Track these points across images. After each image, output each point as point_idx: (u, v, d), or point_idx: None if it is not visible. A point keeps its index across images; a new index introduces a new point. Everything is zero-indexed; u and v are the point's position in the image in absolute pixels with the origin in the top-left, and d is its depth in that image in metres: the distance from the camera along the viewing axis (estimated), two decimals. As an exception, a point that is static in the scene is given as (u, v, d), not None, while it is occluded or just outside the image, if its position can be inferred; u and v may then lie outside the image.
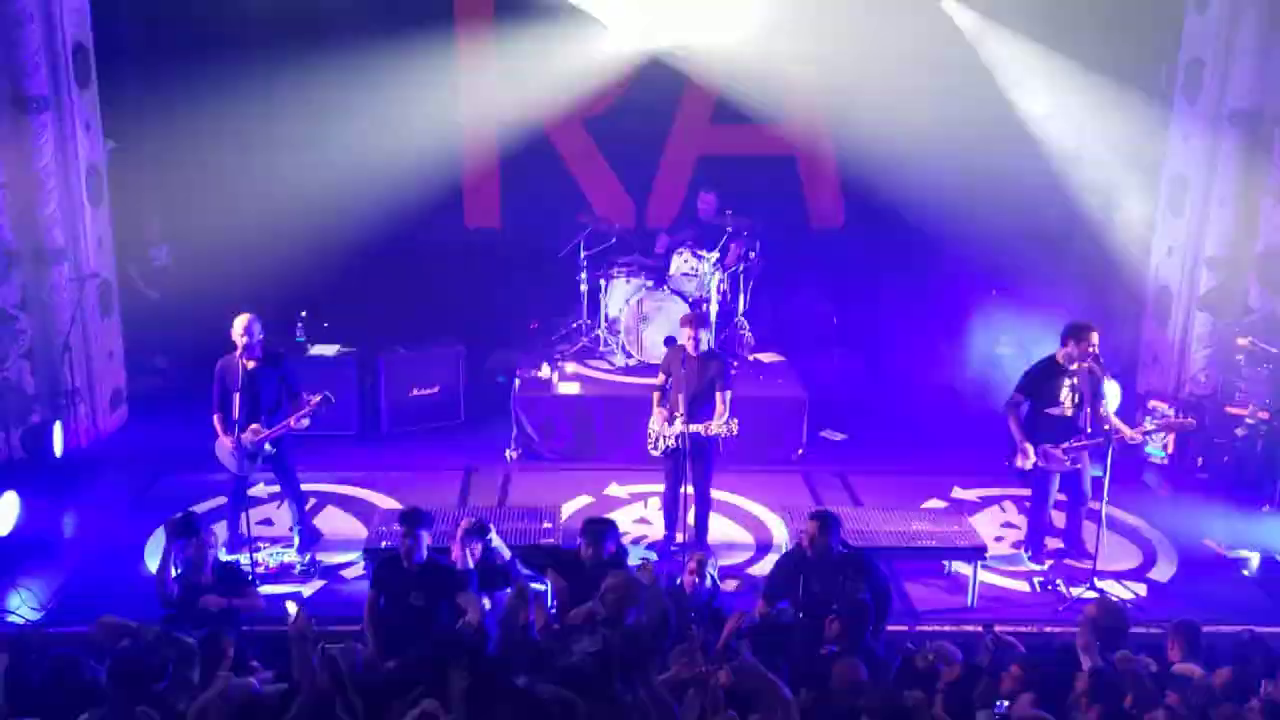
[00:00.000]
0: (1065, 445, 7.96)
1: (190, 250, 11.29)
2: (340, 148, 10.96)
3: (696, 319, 8.39)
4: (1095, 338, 7.87)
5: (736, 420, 8.10)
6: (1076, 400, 7.93)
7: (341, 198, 10.95)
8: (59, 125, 9.45)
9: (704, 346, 8.29)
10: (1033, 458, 7.96)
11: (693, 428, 8.02)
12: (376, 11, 11.12)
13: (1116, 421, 8.07)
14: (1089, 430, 7.92)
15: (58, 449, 9.28)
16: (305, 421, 7.99)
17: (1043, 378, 8.03)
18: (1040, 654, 6.26)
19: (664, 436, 8.24)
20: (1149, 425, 9.18)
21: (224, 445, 8.00)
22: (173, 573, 6.79)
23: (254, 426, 7.89)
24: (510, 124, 11.62)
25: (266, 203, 10.78)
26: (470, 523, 6.89)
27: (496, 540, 7.00)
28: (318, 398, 7.95)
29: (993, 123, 11.00)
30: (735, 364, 10.97)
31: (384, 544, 7.64)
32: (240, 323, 7.85)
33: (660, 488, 8.67)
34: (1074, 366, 7.92)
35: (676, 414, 8.09)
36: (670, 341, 9.17)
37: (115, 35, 10.41)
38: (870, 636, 6.38)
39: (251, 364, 7.88)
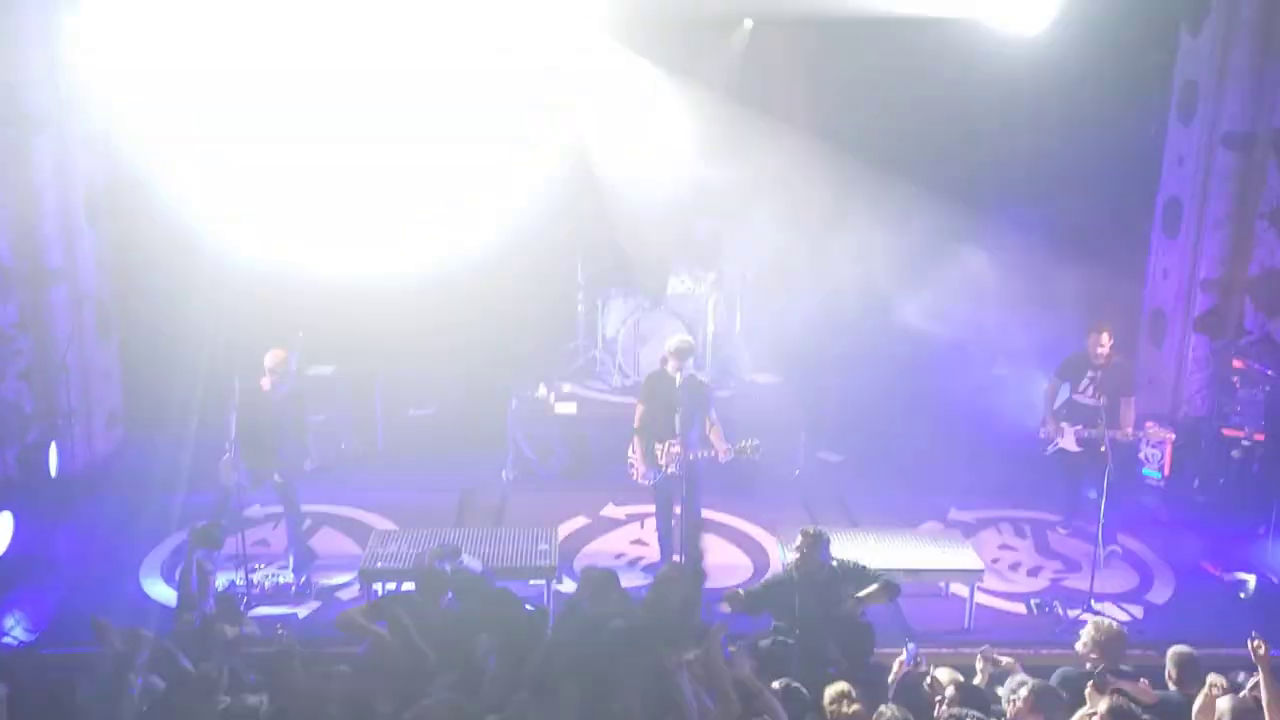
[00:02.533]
0: (1077, 429, 8.67)
1: (188, 271, 11.28)
2: (340, 166, 10.96)
3: (683, 352, 8.21)
4: (1103, 337, 8.71)
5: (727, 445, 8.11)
6: (1095, 392, 8.71)
7: (339, 216, 10.96)
8: (58, 144, 9.47)
9: (687, 373, 8.14)
10: (1053, 431, 8.81)
11: (722, 451, 8.01)
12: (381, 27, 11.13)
13: (1123, 416, 8.59)
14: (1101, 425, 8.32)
15: (53, 469, 9.26)
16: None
17: (1070, 366, 8.95)
18: (1037, 676, 6.23)
19: (663, 463, 8.21)
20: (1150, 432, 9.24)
21: (231, 468, 8.01)
22: (196, 581, 6.81)
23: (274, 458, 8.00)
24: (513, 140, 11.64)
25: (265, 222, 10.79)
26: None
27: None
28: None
29: (989, 143, 11.07)
30: (732, 384, 11.00)
31: (378, 564, 7.66)
32: (281, 355, 7.99)
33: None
34: (1097, 361, 8.73)
35: (671, 443, 8.07)
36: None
37: (114, 54, 10.41)
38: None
39: (277, 395, 7.99)
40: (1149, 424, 9.12)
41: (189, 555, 6.88)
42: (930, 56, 10.75)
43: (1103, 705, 5.22)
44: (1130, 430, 8.67)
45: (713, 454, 8.06)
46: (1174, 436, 9.32)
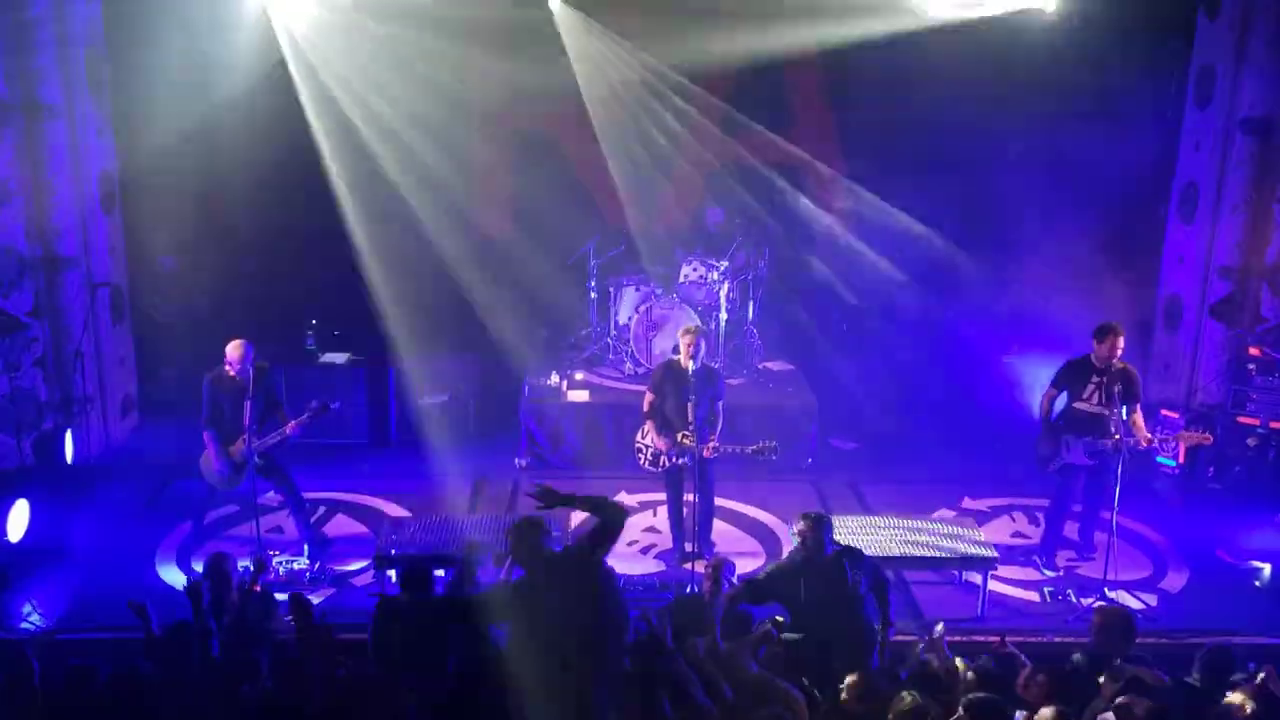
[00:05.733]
0: (1086, 440, 8.10)
1: (201, 257, 11.31)
2: (351, 156, 10.97)
3: (696, 331, 8.22)
4: (1118, 340, 8.02)
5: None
6: (1102, 399, 8.06)
7: (353, 205, 10.97)
8: (71, 133, 9.49)
9: (700, 361, 8.13)
10: (1050, 446, 8.25)
11: (707, 449, 8.00)
12: (390, 16, 11.14)
13: (1138, 424, 8.08)
14: (1116, 434, 7.92)
15: (69, 456, 9.31)
16: (295, 430, 8.06)
17: (1072, 372, 8.23)
18: (1051, 664, 6.22)
19: (667, 456, 8.22)
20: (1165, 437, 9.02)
21: (214, 459, 8.07)
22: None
23: (242, 438, 7.96)
24: (522, 132, 11.68)
25: (277, 210, 10.81)
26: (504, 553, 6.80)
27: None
28: (315, 406, 8.04)
29: (1001, 129, 11.00)
30: (744, 372, 10.98)
31: (393, 552, 7.68)
32: (240, 347, 7.95)
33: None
34: (1103, 366, 8.07)
35: (683, 433, 8.07)
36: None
37: (127, 43, 10.43)
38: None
39: (241, 378, 7.96)
40: (1178, 431, 8.89)
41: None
42: (944, 45, 10.67)
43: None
44: (1147, 435, 8.08)
45: (723, 449, 8.07)
46: (1210, 438, 8.45)
